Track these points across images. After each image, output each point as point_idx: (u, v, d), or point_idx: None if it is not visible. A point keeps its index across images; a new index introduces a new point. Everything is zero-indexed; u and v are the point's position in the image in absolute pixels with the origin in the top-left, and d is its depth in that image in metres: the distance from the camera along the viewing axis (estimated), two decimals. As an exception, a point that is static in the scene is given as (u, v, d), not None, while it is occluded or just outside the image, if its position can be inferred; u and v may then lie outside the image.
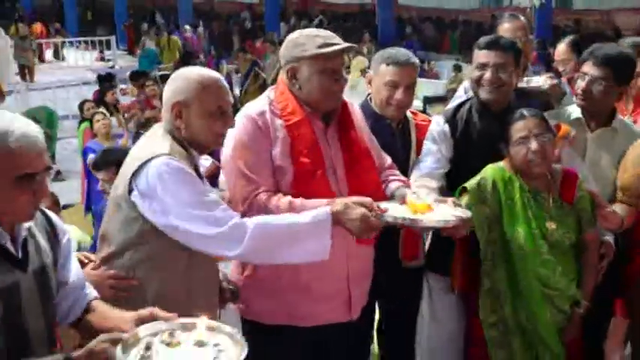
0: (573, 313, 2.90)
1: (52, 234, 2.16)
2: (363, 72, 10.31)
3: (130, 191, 2.31)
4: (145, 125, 8.83)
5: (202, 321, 1.90)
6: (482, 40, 3.11)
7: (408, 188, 2.81)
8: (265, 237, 2.30)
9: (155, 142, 2.38)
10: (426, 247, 3.25)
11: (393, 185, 2.82)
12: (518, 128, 2.86)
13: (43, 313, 2.03)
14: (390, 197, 2.73)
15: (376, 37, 19.77)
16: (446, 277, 3.16)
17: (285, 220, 2.35)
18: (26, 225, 2.04)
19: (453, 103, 3.57)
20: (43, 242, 2.10)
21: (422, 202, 2.52)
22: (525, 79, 3.61)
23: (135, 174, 2.29)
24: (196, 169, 2.41)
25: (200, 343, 1.83)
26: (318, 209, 2.35)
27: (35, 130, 1.95)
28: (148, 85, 10.13)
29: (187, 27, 21.69)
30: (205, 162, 2.56)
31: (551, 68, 4.36)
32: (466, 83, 3.84)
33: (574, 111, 3.23)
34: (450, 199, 2.69)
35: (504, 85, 3.03)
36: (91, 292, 2.18)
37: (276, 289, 2.64)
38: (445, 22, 25.83)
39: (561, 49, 4.08)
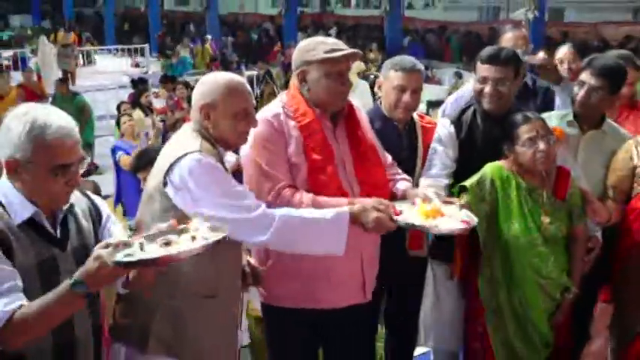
0: (563, 298, 2.91)
1: (96, 216, 2.20)
2: (360, 74, 10.31)
3: (165, 184, 2.34)
4: (174, 125, 8.92)
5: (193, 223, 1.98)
6: (485, 53, 3.08)
7: (416, 188, 2.82)
8: (290, 228, 2.33)
9: (186, 141, 2.40)
10: (430, 238, 3.23)
11: (401, 185, 2.82)
12: (526, 130, 2.85)
13: None
14: (401, 197, 2.72)
15: (384, 47, 19.69)
16: (448, 264, 3.18)
17: (309, 215, 2.37)
18: (65, 207, 2.06)
19: (453, 99, 3.72)
20: (86, 224, 2.14)
21: (432, 208, 2.49)
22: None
23: (169, 170, 2.32)
24: (222, 165, 2.42)
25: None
26: (339, 209, 2.38)
27: (70, 124, 1.98)
28: (178, 89, 10.16)
29: (209, 37, 21.83)
30: (230, 158, 2.55)
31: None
32: (469, 86, 3.81)
33: (567, 114, 3.21)
34: (456, 202, 2.67)
35: (503, 97, 3.02)
36: None
37: (298, 275, 2.64)
38: (447, 33, 25.68)
39: (564, 50, 4.02)
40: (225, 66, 17.48)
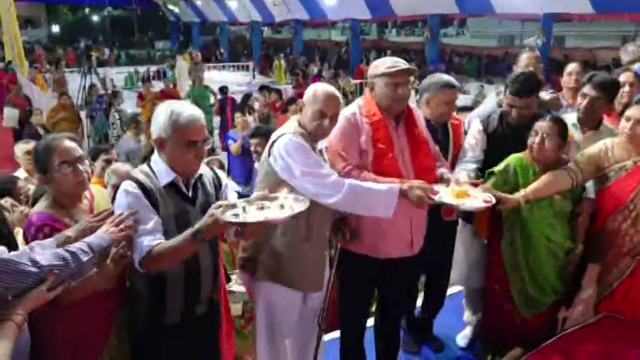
0: (573, 255, 2.85)
1: (217, 184, 2.25)
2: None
3: (269, 155, 2.42)
4: (267, 119, 9.06)
5: (282, 193, 2.02)
6: (512, 85, 2.98)
7: (451, 173, 2.77)
8: (355, 194, 2.33)
9: (289, 125, 2.50)
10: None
11: (440, 170, 2.76)
12: (536, 125, 2.78)
13: None
14: (440, 178, 2.68)
15: (426, 65, 19.29)
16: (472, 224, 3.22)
17: (369, 186, 2.37)
18: (196, 175, 2.11)
19: (483, 109, 3.54)
20: (210, 188, 2.20)
21: (461, 189, 2.49)
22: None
23: (272, 144, 2.42)
24: (313, 147, 2.46)
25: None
26: (392, 184, 2.37)
27: (198, 112, 2.04)
28: (272, 95, 10.24)
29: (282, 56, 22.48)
30: (322, 143, 2.62)
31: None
32: (490, 100, 3.73)
33: (571, 118, 3.10)
34: (480, 185, 2.65)
35: (526, 118, 2.97)
36: None
37: (366, 232, 2.66)
38: (472, 55, 24.97)
39: (573, 65, 3.82)
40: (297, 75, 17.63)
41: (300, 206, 1.94)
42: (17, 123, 9.41)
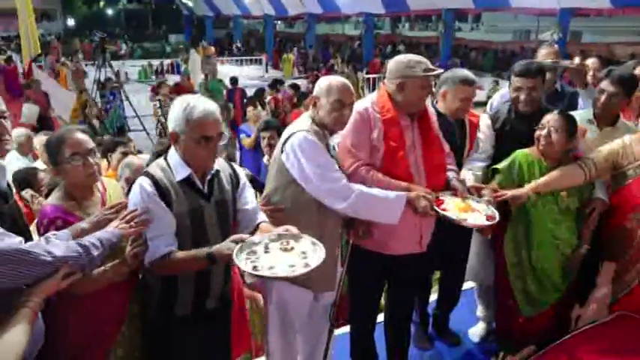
0: (577, 253, 2.79)
1: (235, 182, 2.22)
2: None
3: (282, 152, 2.39)
4: (278, 114, 9.07)
5: (307, 238, 1.93)
6: (517, 67, 2.99)
7: (457, 178, 2.71)
8: (363, 201, 2.34)
9: (300, 122, 2.45)
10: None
11: (450, 174, 2.72)
12: (545, 119, 2.75)
13: (221, 232, 2.08)
14: (446, 184, 2.67)
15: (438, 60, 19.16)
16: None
17: (377, 194, 2.36)
18: (212, 170, 2.10)
19: (493, 104, 3.55)
20: (226, 184, 2.17)
21: (466, 204, 2.50)
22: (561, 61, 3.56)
23: (285, 141, 2.38)
24: (326, 143, 2.44)
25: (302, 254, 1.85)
26: (400, 193, 2.38)
27: (212, 107, 2.01)
28: (286, 88, 10.26)
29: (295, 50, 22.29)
30: (336, 139, 2.60)
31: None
32: (502, 92, 3.68)
33: (588, 114, 3.05)
34: (485, 198, 2.63)
35: (536, 100, 2.95)
36: (262, 217, 2.22)
37: (376, 229, 2.63)
38: (486, 50, 24.70)
39: (593, 60, 3.79)
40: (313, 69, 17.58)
41: (315, 261, 1.82)
42: (36, 120, 9.19)
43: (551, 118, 2.71)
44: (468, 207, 2.49)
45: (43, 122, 8.71)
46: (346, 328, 3.17)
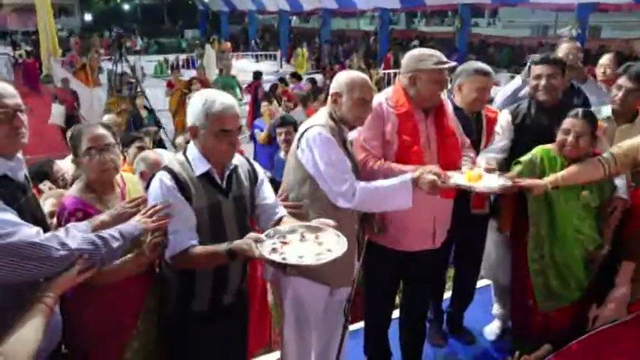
0: (597, 252, 2.77)
1: (253, 178, 2.22)
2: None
3: (297, 147, 2.38)
4: (295, 108, 9.06)
5: (329, 230, 1.94)
6: (537, 57, 2.99)
7: (472, 163, 2.71)
8: (367, 195, 2.31)
9: (317, 117, 2.44)
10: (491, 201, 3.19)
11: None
12: (566, 122, 2.69)
13: (238, 228, 2.09)
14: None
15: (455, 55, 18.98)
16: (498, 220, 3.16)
17: (380, 184, 2.33)
18: (231, 166, 2.09)
19: (509, 88, 3.52)
20: (244, 180, 2.17)
21: (475, 173, 2.46)
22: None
23: (300, 136, 2.37)
24: (343, 139, 2.42)
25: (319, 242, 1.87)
26: (403, 177, 2.32)
27: (231, 101, 2.01)
28: (305, 83, 10.29)
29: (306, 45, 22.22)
30: (353, 133, 2.58)
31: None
32: (505, 89, 3.68)
33: (606, 111, 3.03)
34: (497, 171, 2.59)
35: (555, 89, 2.90)
36: (282, 211, 2.22)
37: (389, 226, 2.64)
38: (503, 46, 24.38)
39: (607, 56, 3.72)
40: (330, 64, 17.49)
41: (338, 250, 1.83)
42: (63, 121, 9.07)
43: (576, 124, 2.66)
44: (478, 176, 2.45)
45: (71, 122, 8.66)
46: (360, 324, 3.17)
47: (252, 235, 1.88)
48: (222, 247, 1.90)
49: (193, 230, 1.98)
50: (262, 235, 1.88)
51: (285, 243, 1.86)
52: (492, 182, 2.46)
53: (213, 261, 1.98)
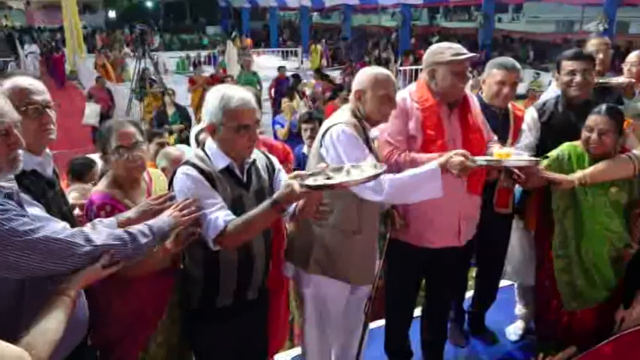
0: (626, 252, 2.73)
1: (271, 170, 2.23)
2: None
3: (320, 145, 2.37)
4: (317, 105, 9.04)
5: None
6: (569, 52, 2.93)
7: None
8: (397, 186, 2.27)
9: (340, 115, 2.43)
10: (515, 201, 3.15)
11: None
12: (590, 119, 2.64)
13: None
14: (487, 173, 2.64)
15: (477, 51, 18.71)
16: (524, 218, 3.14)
17: (408, 174, 2.30)
18: (249, 160, 2.10)
19: (544, 97, 3.37)
20: (263, 173, 2.18)
21: (504, 151, 2.45)
22: (608, 78, 3.42)
23: (324, 134, 2.36)
24: (366, 136, 2.41)
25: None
26: (429, 165, 2.28)
27: (248, 96, 2.00)
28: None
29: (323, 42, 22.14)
30: (375, 132, 2.56)
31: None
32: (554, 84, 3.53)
33: (637, 107, 2.96)
34: (526, 153, 2.58)
35: (589, 85, 2.86)
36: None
37: (413, 222, 2.63)
38: (527, 42, 23.98)
39: (635, 53, 3.63)
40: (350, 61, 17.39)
41: (375, 171, 1.91)
42: (98, 121, 8.88)
43: (600, 121, 2.61)
44: (505, 154, 2.43)
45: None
46: (381, 323, 3.16)
47: (292, 174, 1.89)
48: (265, 203, 1.89)
49: (226, 208, 1.97)
50: (304, 172, 1.90)
51: (329, 179, 1.87)
52: (522, 157, 2.44)
53: (262, 222, 1.93)
